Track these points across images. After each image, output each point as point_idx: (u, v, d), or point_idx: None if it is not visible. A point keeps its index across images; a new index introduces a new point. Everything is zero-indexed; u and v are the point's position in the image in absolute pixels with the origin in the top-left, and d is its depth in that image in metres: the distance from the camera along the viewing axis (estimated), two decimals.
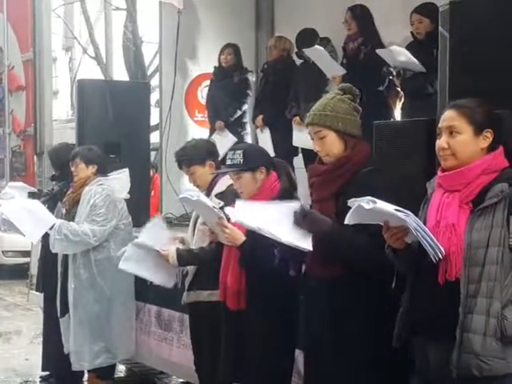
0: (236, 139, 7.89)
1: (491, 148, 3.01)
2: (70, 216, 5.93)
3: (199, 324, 4.75)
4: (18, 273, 12.25)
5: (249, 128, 8.34)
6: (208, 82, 8.75)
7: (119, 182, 6.02)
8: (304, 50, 7.17)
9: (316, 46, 6.90)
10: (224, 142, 7.78)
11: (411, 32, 6.34)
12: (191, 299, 4.75)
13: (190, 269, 4.80)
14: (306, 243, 3.43)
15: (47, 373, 6.74)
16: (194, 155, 4.75)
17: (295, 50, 7.75)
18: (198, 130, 8.95)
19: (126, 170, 6.09)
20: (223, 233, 3.94)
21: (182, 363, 5.70)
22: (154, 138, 8.94)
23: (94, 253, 5.88)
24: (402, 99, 6.53)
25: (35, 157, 9.37)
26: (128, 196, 6.03)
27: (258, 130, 7.98)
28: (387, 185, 3.01)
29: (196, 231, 4.72)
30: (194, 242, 4.71)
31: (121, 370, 7.25)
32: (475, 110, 3.01)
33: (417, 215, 2.94)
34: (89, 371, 6.17)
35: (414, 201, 3.08)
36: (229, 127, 8.11)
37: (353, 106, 3.66)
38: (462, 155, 2.99)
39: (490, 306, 2.82)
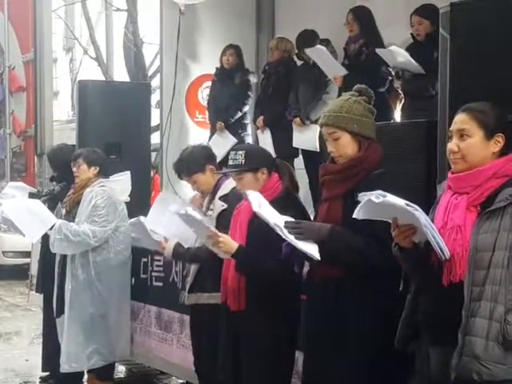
0: (236, 140, 7.90)
1: (502, 153, 3.00)
2: (71, 216, 5.93)
3: (199, 325, 4.75)
4: (18, 273, 12.26)
5: (250, 129, 8.34)
6: (209, 83, 8.76)
7: (120, 184, 6.02)
8: (306, 49, 7.16)
9: (318, 46, 6.90)
10: (224, 143, 7.79)
11: (411, 33, 6.35)
12: (192, 301, 4.75)
13: (191, 270, 4.81)
14: (314, 251, 3.43)
15: (47, 373, 6.74)
16: (192, 164, 4.72)
17: (296, 50, 7.75)
18: (198, 131, 8.97)
19: (128, 173, 6.09)
20: (217, 245, 3.92)
21: (182, 364, 5.70)
22: (155, 138, 8.94)
23: (92, 254, 5.88)
24: (403, 100, 6.53)
25: (35, 157, 9.39)
26: (128, 199, 6.04)
27: (259, 131, 7.98)
28: (397, 187, 3.01)
29: None
30: (196, 244, 4.71)
31: (120, 370, 7.25)
32: (487, 114, 3.00)
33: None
34: (88, 372, 6.17)
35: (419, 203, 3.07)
36: (229, 128, 8.12)
37: (368, 107, 3.67)
38: (471, 158, 2.98)
39: (494, 309, 2.80)
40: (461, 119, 3.03)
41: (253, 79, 8.36)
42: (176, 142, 8.68)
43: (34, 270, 7.77)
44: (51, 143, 8.57)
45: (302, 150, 7.42)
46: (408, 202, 2.85)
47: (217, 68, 8.43)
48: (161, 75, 9.29)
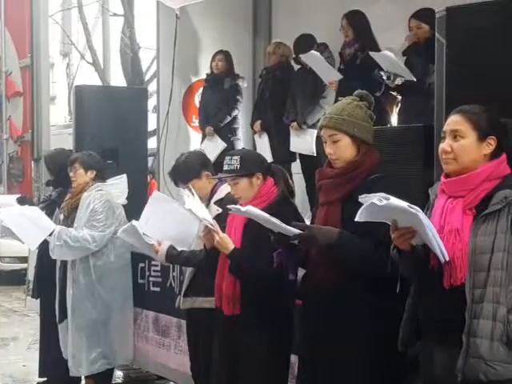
0: (226, 145, 7.93)
1: (493, 155, 3.02)
2: (69, 221, 5.93)
3: (196, 330, 4.75)
4: (15, 279, 12.24)
5: (240, 134, 8.36)
6: None
7: (117, 187, 6.02)
8: (300, 55, 7.18)
9: (312, 52, 6.91)
10: (214, 147, 7.82)
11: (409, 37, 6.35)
12: (187, 305, 4.76)
13: (187, 275, 4.81)
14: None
15: (44, 379, 6.72)
16: (187, 171, 4.72)
17: (293, 55, 7.76)
18: (195, 136, 8.97)
19: (124, 176, 6.09)
20: (214, 239, 3.97)
21: (180, 369, 5.70)
22: (152, 143, 8.95)
23: (92, 259, 5.88)
24: (399, 105, 6.54)
25: (32, 162, 9.38)
26: (126, 202, 6.04)
27: (256, 136, 7.99)
28: (395, 191, 3.02)
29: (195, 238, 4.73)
30: (192, 248, 4.71)
31: (118, 375, 7.24)
32: (481, 116, 3.02)
33: None
34: (86, 377, 6.16)
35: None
36: (219, 133, 8.14)
37: (368, 113, 3.66)
38: (463, 159, 3.00)
39: (497, 311, 2.83)
40: (454, 120, 3.05)
41: (242, 84, 8.38)
42: (173, 146, 8.69)
43: (31, 275, 7.76)
44: (48, 148, 8.57)
45: (300, 154, 7.43)
46: (411, 205, 2.86)
47: (207, 74, 8.48)
48: (157, 80, 9.30)
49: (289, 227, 3.46)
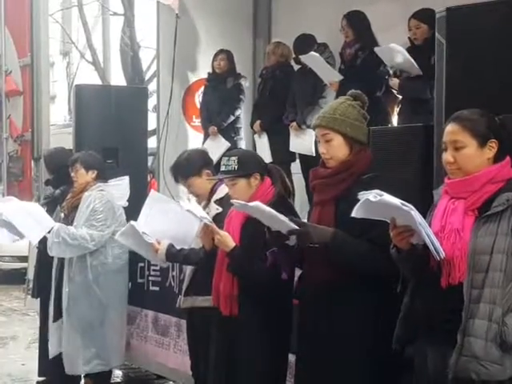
0: (229, 144, 7.92)
1: (497, 157, 3.03)
2: (69, 220, 5.94)
3: (196, 329, 4.75)
4: (15, 278, 12.23)
5: (243, 133, 8.35)
6: None
7: (119, 189, 6.03)
8: (300, 56, 7.19)
9: (311, 53, 6.91)
10: (217, 147, 7.80)
11: (409, 37, 6.36)
12: (187, 305, 4.76)
13: (187, 274, 4.81)
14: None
15: (43, 378, 6.73)
16: (188, 168, 4.74)
17: (293, 55, 7.76)
18: (195, 136, 8.97)
19: (127, 178, 6.09)
20: (215, 238, 3.99)
21: (179, 368, 5.70)
22: (152, 143, 8.94)
23: (90, 258, 5.88)
24: (400, 105, 6.54)
25: (32, 162, 9.36)
26: (127, 204, 6.04)
27: (256, 136, 7.99)
28: (388, 191, 3.03)
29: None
30: (192, 245, 4.72)
31: (117, 375, 7.24)
32: (478, 122, 3.02)
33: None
34: (85, 376, 6.17)
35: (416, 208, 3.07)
36: (222, 132, 8.13)
37: (362, 112, 3.68)
38: (468, 168, 3.02)
39: (493, 311, 2.85)
40: (452, 130, 3.05)
41: (245, 83, 8.38)
42: (173, 146, 8.68)
43: (30, 274, 7.76)
44: (48, 147, 8.55)
45: (299, 154, 7.43)
46: (404, 202, 2.88)
47: (209, 73, 8.47)
48: (158, 79, 9.29)
49: (291, 223, 3.46)
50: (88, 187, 5.93)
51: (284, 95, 7.64)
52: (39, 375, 6.76)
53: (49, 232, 5.78)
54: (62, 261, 6.02)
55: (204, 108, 8.49)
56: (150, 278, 6.16)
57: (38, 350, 6.84)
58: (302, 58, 7.09)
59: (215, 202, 4.57)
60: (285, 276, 3.74)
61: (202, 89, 8.89)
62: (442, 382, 2.95)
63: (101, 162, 6.14)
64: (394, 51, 6.09)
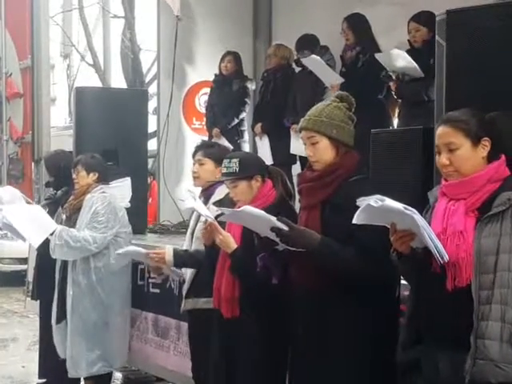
0: (232, 147, 7.91)
1: (492, 154, 3.02)
2: (71, 222, 5.93)
3: (197, 331, 4.75)
4: (15, 280, 12.24)
5: (246, 136, 8.35)
6: (206, 90, 8.79)
7: (121, 190, 6.02)
8: (301, 59, 7.19)
9: (312, 55, 6.92)
10: None
11: (408, 40, 6.36)
12: (188, 307, 4.75)
13: (187, 277, 4.81)
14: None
15: (44, 380, 6.72)
16: (221, 151, 4.74)
17: (294, 57, 7.77)
18: (195, 138, 8.96)
19: (128, 179, 6.09)
20: (217, 237, 3.98)
21: (179, 370, 5.70)
22: (152, 145, 8.95)
23: (93, 260, 5.87)
24: (400, 107, 6.54)
25: (33, 164, 9.37)
26: (129, 205, 6.04)
27: (257, 138, 8.00)
28: (374, 194, 3.03)
29: (194, 239, 4.73)
30: (192, 249, 4.72)
31: (117, 377, 7.25)
32: (469, 122, 3.01)
33: None
34: (85, 379, 6.16)
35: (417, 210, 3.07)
36: (226, 135, 8.13)
37: (348, 114, 3.65)
38: (464, 169, 3.01)
39: (505, 312, 2.82)
40: (444, 132, 3.04)
41: (251, 86, 8.38)
42: (173, 148, 8.70)
43: (30, 276, 7.76)
44: (48, 150, 8.57)
45: (300, 156, 7.43)
46: (406, 206, 2.85)
47: (215, 74, 8.46)
48: (158, 82, 9.30)
49: (280, 224, 3.42)
50: (90, 189, 5.93)
51: (285, 97, 7.64)
52: (39, 377, 6.76)
53: (51, 234, 5.78)
54: (64, 263, 6.02)
55: (209, 109, 8.49)
56: (150, 280, 6.16)
57: (38, 353, 6.85)
58: (303, 60, 7.09)
59: (214, 203, 4.56)
60: (275, 281, 3.72)
61: (203, 91, 8.91)
62: None
63: (102, 163, 6.13)
64: (395, 56, 6.09)
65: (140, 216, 7.02)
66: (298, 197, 3.86)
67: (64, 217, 6.11)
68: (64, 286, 6.00)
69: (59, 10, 20.66)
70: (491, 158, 3.03)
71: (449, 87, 3.74)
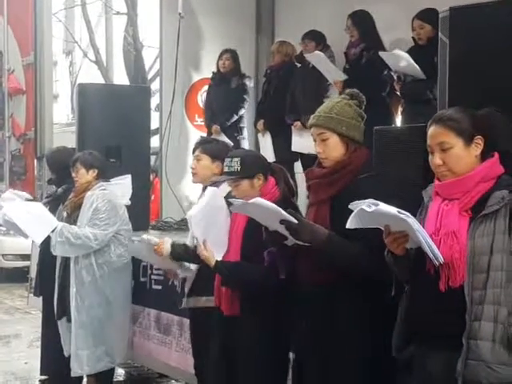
0: (232, 144, 7.91)
1: (485, 153, 3.00)
2: (72, 220, 5.93)
3: (199, 328, 4.75)
4: (17, 276, 12.27)
5: (246, 133, 8.36)
6: None
7: (121, 187, 6.02)
8: (305, 55, 7.19)
9: (316, 52, 6.93)
10: None
11: (412, 37, 6.36)
12: (190, 305, 4.75)
13: (189, 275, 4.80)
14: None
15: (46, 376, 6.74)
16: (222, 149, 4.72)
17: (296, 53, 7.77)
18: (197, 135, 8.96)
19: (129, 177, 6.09)
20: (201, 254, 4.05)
21: (181, 367, 5.70)
22: (155, 142, 8.95)
23: (95, 257, 5.87)
24: (403, 105, 6.54)
25: (35, 160, 9.38)
26: (129, 202, 6.04)
27: (260, 135, 8.00)
28: (383, 191, 3.02)
29: (195, 240, 4.71)
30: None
31: (120, 373, 7.25)
32: (461, 121, 2.98)
33: None
34: (88, 375, 6.16)
35: (409, 208, 3.07)
36: (225, 132, 8.13)
37: (358, 111, 3.65)
38: (458, 168, 2.98)
39: (498, 312, 2.81)
40: (436, 132, 3.01)
41: (249, 83, 8.39)
42: (175, 145, 8.70)
43: (33, 272, 7.77)
44: (51, 146, 8.57)
45: (301, 153, 7.43)
46: (400, 210, 2.84)
47: (213, 72, 8.47)
48: (160, 78, 9.31)
49: (291, 217, 3.42)
50: (90, 186, 5.92)
51: (288, 94, 7.64)
52: (42, 373, 6.77)
53: (52, 231, 5.78)
54: (65, 259, 6.02)
55: (208, 107, 8.50)
56: (153, 277, 6.17)
57: (40, 349, 6.85)
58: (307, 56, 7.09)
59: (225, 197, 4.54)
60: (282, 276, 3.73)
61: (205, 88, 8.91)
62: None
63: (101, 160, 6.12)
64: (398, 57, 6.09)
65: (142, 213, 7.02)
66: (305, 193, 3.85)
67: (65, 214, 6.11)
68: (64, 282, 6.00)
69: (62, 6, 20.67)
70: (485, 155, 3.00)
71: (452, 85, 3.74)
